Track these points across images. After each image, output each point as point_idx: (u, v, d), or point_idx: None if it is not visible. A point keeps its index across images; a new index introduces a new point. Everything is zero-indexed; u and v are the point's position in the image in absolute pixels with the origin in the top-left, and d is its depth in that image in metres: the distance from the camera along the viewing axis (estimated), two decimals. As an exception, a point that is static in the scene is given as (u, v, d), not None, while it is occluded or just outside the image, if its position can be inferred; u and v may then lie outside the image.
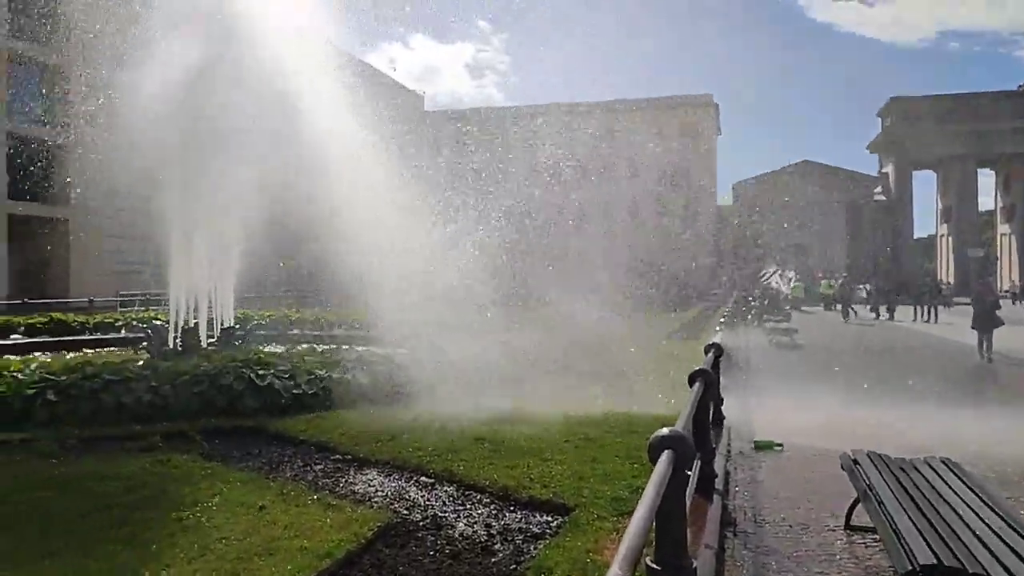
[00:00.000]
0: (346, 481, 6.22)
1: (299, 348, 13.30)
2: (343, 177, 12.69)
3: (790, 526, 5.22)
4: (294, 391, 9.07)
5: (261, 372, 9.19)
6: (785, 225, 68.49)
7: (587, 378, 10.65)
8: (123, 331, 17.80)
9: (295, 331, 17.34)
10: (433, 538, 4.89)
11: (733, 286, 54.21)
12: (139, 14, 13.20)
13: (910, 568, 3.22)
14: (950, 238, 65.07)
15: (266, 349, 13.05)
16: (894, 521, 3.74)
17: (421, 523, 5.17)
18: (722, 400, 8.05)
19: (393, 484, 6.12)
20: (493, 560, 4.53)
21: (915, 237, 68.10)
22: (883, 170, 69.88)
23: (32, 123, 35.36)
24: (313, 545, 4.56)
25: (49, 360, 10.63)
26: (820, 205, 66.43)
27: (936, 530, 3.58)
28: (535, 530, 5.03)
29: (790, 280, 38.70)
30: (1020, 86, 61.56)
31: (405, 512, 5.37)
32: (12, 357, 11.61)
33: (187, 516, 5.21)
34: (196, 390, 8.73)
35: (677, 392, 7.60)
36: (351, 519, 5.05)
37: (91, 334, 17.31)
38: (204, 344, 13.26)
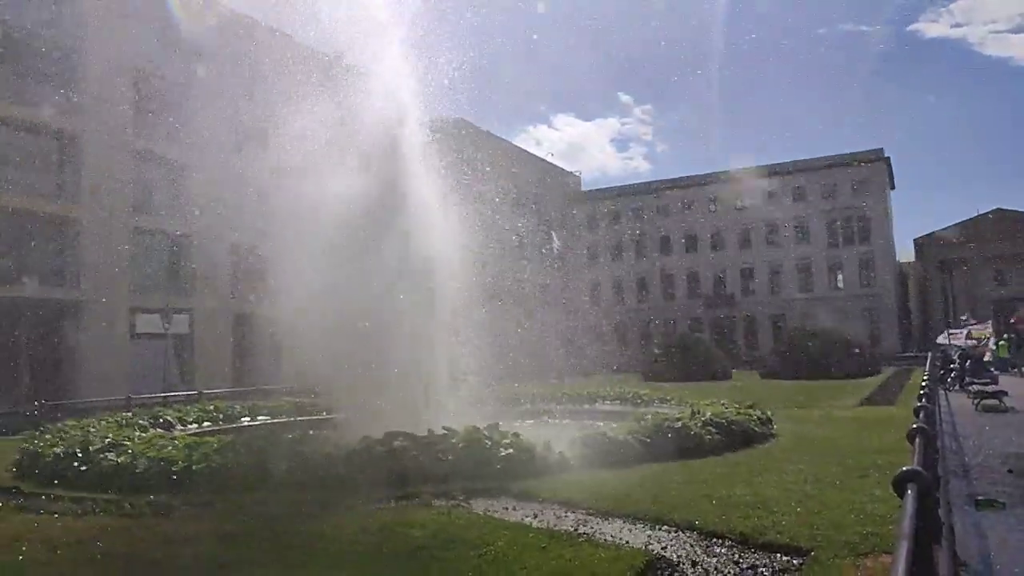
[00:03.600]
0: (599, 529, 7.32)
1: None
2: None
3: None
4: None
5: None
6: (982, 279, 63.35)
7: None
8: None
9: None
10: (692, 571, 5.88)
11: (924, 347, 50.56)
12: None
13: None
14: None
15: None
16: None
17: (678, 560, 6.16)
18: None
19: (641, 532, 7.16)
20: (751, 587, 5.45)
21: None
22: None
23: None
24: (601, 571, 5.71)
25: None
26: None
27: None
28: (779, 567, 5.88)
29: (988, 338, 35.56)
30: None
31: (662, 551, 6.39)
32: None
33: (485, 552, 6.54)
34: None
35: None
36: (620, 555, 6.17)
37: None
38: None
